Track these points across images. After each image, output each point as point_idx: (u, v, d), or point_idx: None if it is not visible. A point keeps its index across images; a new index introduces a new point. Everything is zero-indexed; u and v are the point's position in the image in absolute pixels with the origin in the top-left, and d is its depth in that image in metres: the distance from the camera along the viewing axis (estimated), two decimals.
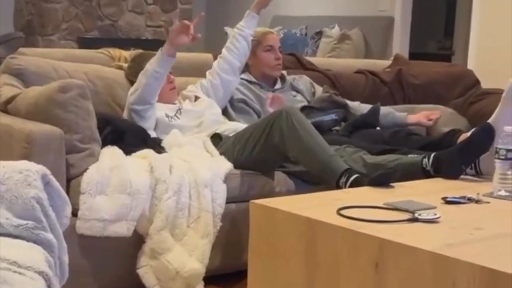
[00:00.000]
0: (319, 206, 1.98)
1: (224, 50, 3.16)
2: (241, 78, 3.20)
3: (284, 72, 3.35)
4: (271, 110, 2.97)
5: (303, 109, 3.05)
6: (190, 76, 3.23)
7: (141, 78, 2.76)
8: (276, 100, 3.06)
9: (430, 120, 3.31)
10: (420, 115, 3.33)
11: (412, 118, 3.31)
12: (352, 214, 1.84)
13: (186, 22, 2.73)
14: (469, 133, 2.63)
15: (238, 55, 3.13)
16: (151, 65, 2.74)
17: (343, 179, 2.42)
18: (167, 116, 2.87)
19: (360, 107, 3.29)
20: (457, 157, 2.45)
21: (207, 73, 3.15)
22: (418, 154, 2.65)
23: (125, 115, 2.83)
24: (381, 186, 2.26)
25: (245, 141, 2.66)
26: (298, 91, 3.30)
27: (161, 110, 2.87)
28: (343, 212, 1.87)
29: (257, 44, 3.21)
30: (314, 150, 2.50)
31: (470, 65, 5.11)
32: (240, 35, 3.13)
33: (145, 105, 2.76)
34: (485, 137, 2.45)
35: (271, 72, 3.26)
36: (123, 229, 2.30)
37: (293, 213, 1.89)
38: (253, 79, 3.23)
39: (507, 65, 4.86)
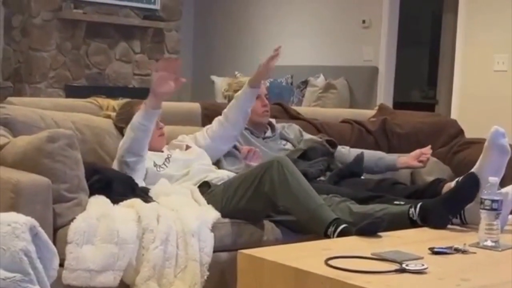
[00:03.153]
0: (307, 256, 1.98)
1: (222, 119, 3.10)
2: None
3: (273, 120, 3.39)
4: (250, 164, 2.98)
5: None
6: (177, 124, 3.25)
7: (129, 131, 2.75)
8: (252, 155, 3.07)
9: (420, 161, 3.30)
10: (409, 157, 3.27)
11: (402, 161, 3.30)
12: (340, 265, 1.84)
13: (168, 59, 2.72)
14: (453, 183, 2.65)
15: (233, 126, 3.09)
16: (137, 118, 2.72)
17: (331, 229, 2.42)
18: (155, 165, 2.87)
19: (350, 153, 3.32)
20: (444, 207, 2.46)
21: (205, 129, 3.13)
22: (404, 200, 2.67)
23: (115, 166, 2.81)
24: (369, 236, 2.26)
25: (234, 190, 2.66)
26: (287, 140, 3.34)
27: (149, 159, 2.86)
28: (331, 262, 1.87)
29: None
30: (303, 199, 2.51)
31: (454, 115, 5.18)
32: (237, 107, 3.07)
33: (136, 157, 2.75)
34: (470, 187, 2.47)
35: (259, 119, 3.30)
36: (110, 279, 2.28)
37: (281, 263, 1.89)
38: (245, 126, 3.27)
39: (491, 115, 4.93)
